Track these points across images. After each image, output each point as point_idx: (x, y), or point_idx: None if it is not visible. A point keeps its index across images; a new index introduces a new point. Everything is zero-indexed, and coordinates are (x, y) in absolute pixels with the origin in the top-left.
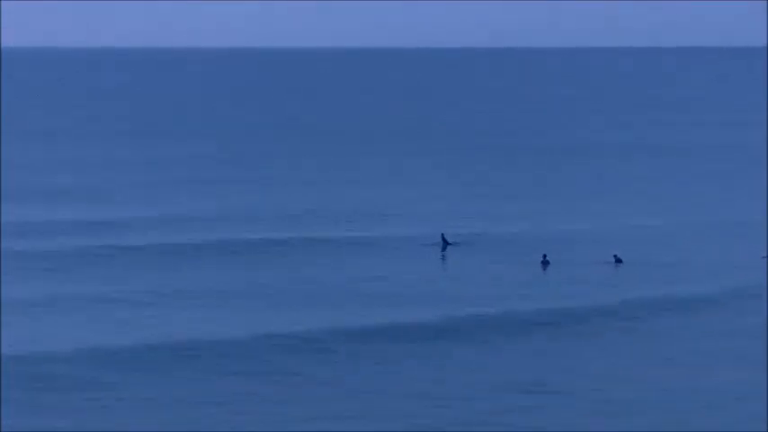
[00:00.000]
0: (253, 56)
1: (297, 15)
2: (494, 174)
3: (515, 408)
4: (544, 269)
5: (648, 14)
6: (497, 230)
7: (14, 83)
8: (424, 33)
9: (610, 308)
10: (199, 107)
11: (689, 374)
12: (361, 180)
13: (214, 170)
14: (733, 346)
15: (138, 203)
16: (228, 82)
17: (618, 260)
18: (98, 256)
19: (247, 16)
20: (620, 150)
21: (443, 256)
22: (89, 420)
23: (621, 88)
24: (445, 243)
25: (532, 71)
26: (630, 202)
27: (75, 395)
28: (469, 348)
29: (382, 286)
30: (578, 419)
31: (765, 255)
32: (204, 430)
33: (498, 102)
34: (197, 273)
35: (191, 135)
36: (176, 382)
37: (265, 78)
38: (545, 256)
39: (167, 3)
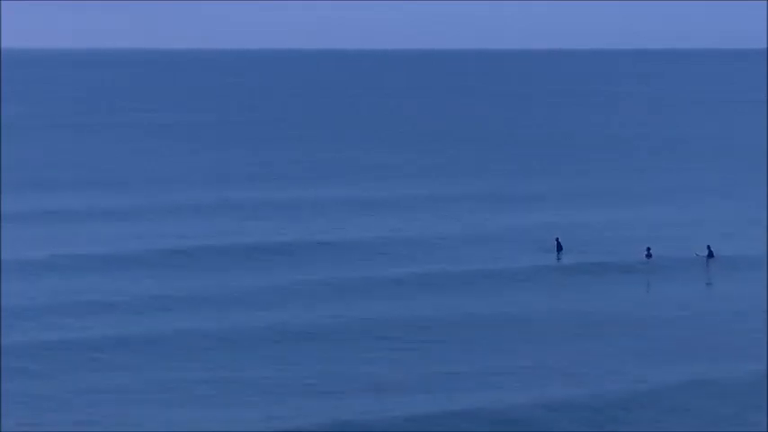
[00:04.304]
0: (254, 57)
1: (305, 16)
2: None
3: None
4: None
5: (650, 16)
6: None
7: (16, 83)
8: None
9: None
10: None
11: None
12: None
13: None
14: None
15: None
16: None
17: (710, 254)
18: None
19: (245, 16)
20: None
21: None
22: None
23: (647, 89)
24: (560, 247)
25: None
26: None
27: None
28: None
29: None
30: None
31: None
32: None
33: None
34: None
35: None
36: None
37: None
38: (648, 249)
39: (173, 4)
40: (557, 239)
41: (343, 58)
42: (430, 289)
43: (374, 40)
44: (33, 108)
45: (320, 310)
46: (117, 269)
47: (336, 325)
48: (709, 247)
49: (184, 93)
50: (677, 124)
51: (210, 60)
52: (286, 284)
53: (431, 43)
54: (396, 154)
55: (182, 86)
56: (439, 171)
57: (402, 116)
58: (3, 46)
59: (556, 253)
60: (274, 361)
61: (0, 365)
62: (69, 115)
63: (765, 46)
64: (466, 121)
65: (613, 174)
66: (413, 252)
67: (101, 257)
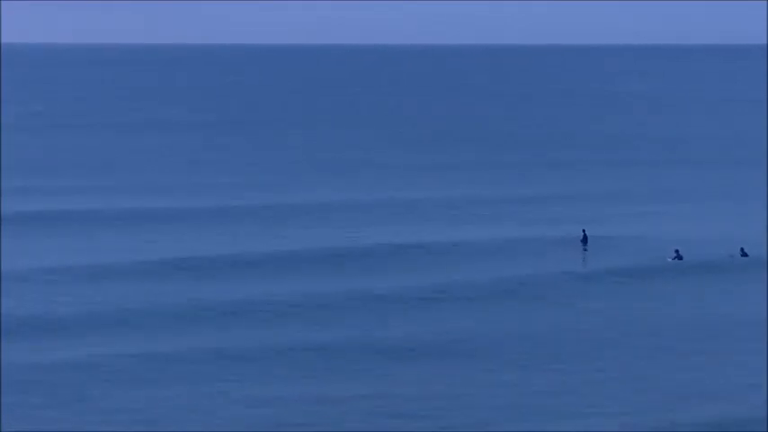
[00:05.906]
0: (254, 52)
1: (305, 16)
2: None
3: None
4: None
5: (649, 14)
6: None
7: (18, 80)
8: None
9: None
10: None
11: None
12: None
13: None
14: None
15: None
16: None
17: (744, 254)
18: None
19: (245, 15)
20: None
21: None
22: None
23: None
24: (585, 239)
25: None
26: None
27: None
28: None
29: None
30: None
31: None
32: None
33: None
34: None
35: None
36: None
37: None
38: (677, 251)
39: (173, 3)
40: (583, 231)
41: (342, 54)
42: (453, 299)
43: (374, 40)
44: (33, 108)
45: (326, 320)
46: (117, 273)
47: (343, 339)
48: (742, 248)
49: (184, 92)
50: (677, 124)
51: (211, 56)
52: (288, 292)
53: (431, 40)
54: (396, 154)
55: (182, 85)
56: (440, 171)
57: (402, 116)
58: (3, 41)
59: (581, 245)
60: (261, 377)
61: (0, 374)
62: (69, 116)
63: (766, 42)
64: (466, 120)
65: (613, 174)
66: (420, 258)
67: (100, 260)
